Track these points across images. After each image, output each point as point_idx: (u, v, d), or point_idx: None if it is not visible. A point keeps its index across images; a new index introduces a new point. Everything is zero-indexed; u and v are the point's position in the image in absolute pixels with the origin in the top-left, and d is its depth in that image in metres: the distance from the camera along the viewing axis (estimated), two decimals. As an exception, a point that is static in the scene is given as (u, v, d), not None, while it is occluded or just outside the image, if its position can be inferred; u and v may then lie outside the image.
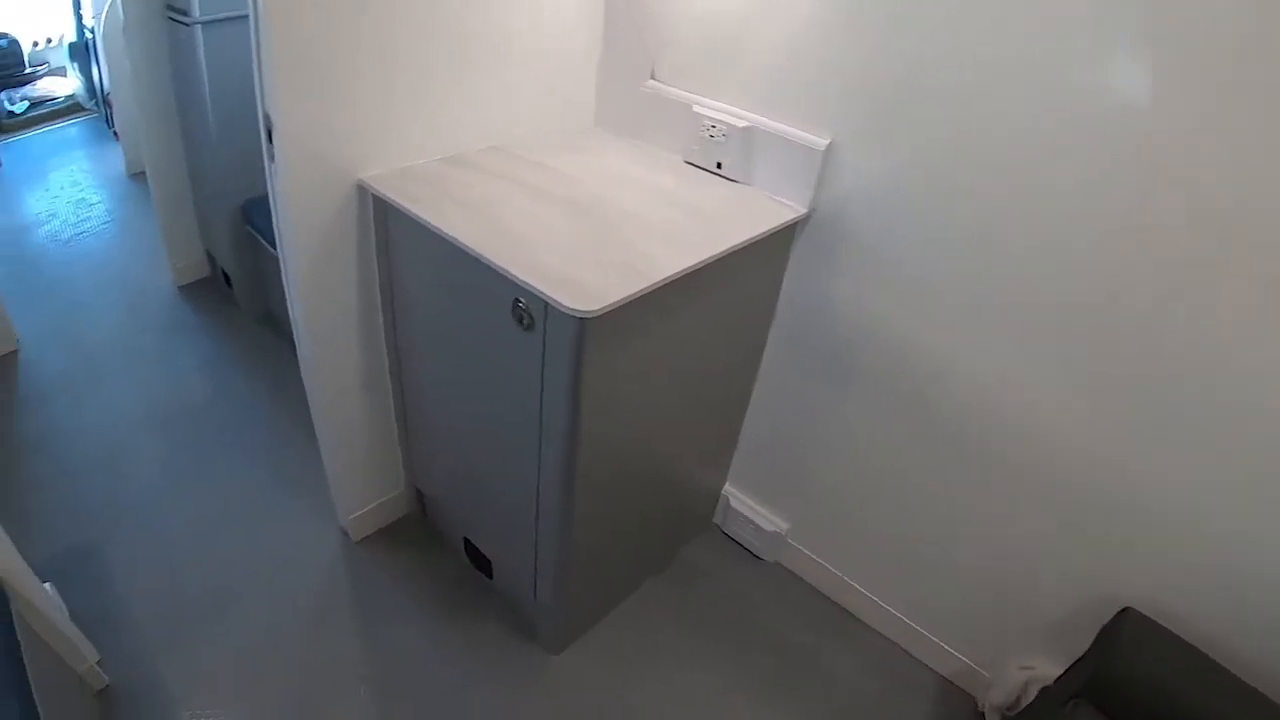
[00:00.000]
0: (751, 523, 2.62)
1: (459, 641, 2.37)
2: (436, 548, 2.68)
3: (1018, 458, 1.92)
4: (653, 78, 2.28)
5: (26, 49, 7.56)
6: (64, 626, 2.03)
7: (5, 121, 6.92)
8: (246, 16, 2.88)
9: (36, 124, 6.87)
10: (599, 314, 1.45)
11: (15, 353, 3.72)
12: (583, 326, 1.48)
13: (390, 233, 2.04)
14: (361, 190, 1.96)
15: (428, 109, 1.97)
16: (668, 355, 1.89)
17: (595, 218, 1.86)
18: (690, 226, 1.86)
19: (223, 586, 2.53)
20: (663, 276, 1.58)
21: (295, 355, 3.46)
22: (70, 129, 6.73)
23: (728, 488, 2.68)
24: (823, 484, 2.40)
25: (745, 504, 2.65)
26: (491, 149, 2.16)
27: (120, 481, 2.94)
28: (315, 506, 2.78)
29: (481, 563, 2.46)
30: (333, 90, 1.78)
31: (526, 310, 1.64)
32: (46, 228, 4.91)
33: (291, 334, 3.48)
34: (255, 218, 3.29)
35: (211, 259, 4.05)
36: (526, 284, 1.54)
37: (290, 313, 2.20)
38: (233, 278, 3.69)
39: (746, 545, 2.70)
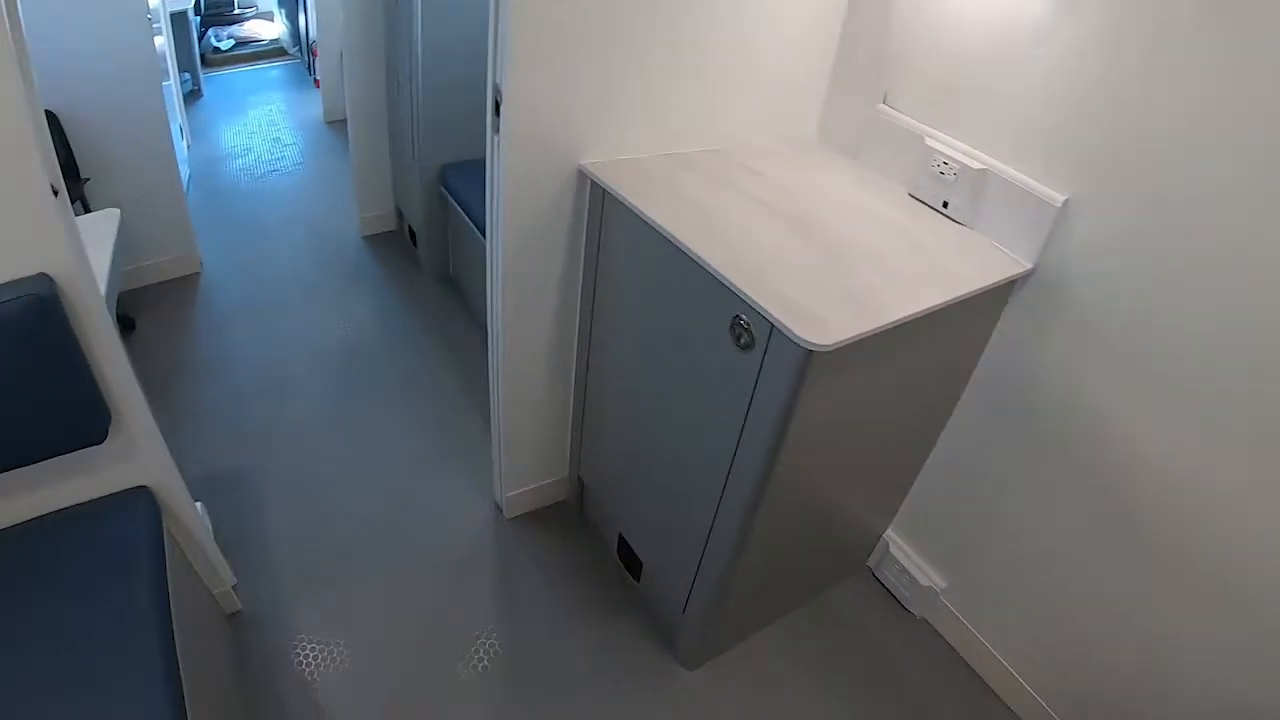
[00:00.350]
0: (907, 573, 2.52)
1: (592, 634, 2.36)
2: (587, 539, 2.66)
3: (1217, 581, 1.75)
4: (885, 103, 2.21)
5: (235, -11, 8.09)
6: (208, 547, 2.09)
7: (211, 56, 7.38)
8: None
9: (240, 62, 7.29)
10: (829, 350, 1.39)
11: (198, 275, 3.95)
12: (808, 358, 1.43)
13: (606, 223, 1.99)
14: (582, 176, 1.95)
15: (656, 102, 1.94)
16: (870, 396, 1.82)
17: (820, 240, 1.81)
18: (918, 267, 1.79)
19: (366, 531, 2.58)
20: (893, 319, 1.51)
21: (471, 320, 3.67)
22: (271, 71, 7.11)
23: (889, 533, 2.59)
24: (989, 549, 2.28)
25: (904, 553, 2.55)
26: (713, 152, 2.11)
27: (283, 413, 3.08)
28: (472, 474, 2.83)
29: (631, 563, 2.44)
30: (567, 70, 1.77)
31: (748, 329, 1.60)
32: (240, 161, 5.21)
33: (469, 299, 3.64)
34: (452, 182, 3.38)
35: (400, 214, 4.18)
36: (756, 303, 1.49)
37: (489, 286, 2.22)
38: (419, 236, 3.80)
39: (896, 595, 2.59)
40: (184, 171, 4.70)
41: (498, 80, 1.80)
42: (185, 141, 5.24)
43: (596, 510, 2.66)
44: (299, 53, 7.11)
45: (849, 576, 2.69)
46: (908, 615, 2.60)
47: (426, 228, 3.69)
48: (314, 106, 6.06)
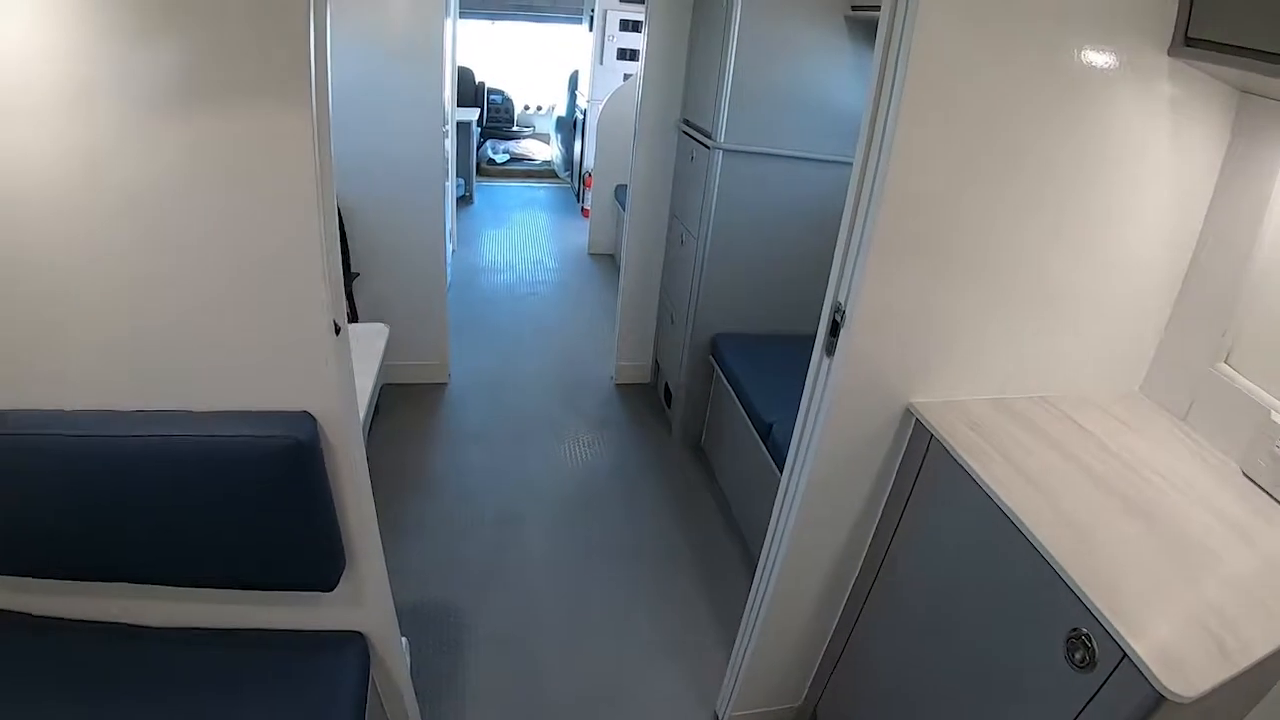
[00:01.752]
0: None
1: None
2: (814, 774, 2.20)
3: None
4: (1226, 362, 1.78)
5: (518, 109, 8.65)
6: (406, 694, 1.96)
7: (485, 166, 7.87)
8: (773, 154, 2.95)
9: (512, 177, 7.73)
10: (1187, 701, 1.09)
11: (444, 386, 3.93)
12: (1159, 703, 1.12)
13: (925, 472, 1.75)
14: (908, 415, 1.77)
15: (991, 342, 1.77)
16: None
17: (1162, 534, 1.41)
18: (1271, 581, 1.35)
19: (566, 712, 2.32)
20: (1254, 658, 1.18)
21: (716, 498, 3.33)
22: (540, 191, 7.45)
23: None
24: None
25: None
26: (1037, 400, 1.89)
27: (504, 553, 2.87)
28: (694, 681, 2.46)
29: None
30: (917, 296, 1.62)
31: (1089, 648, 1.22)
32: (501, 276, 5.33)
33: (718, 475, 3.34)
34: (724, 353, 3.15)
35: (657, 369, 4.00)
36: (1111, 626, 1.19)
37: (776, 512, 1.97)
38: (675, 398, 3.57)
39: None
40: (450, 277, 4.85)
41: (840, 297, 1.59)
42: (451, 245, 5.44)
43: (831, 752, 2.22)
44: (569, 178, 7.41)
45: None
46: None
47: (686, 393, 3.45)
48: (579, 235, 6.17)
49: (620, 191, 5.36)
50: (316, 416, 1.47)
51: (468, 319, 4.63)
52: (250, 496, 1.47)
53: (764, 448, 2.69)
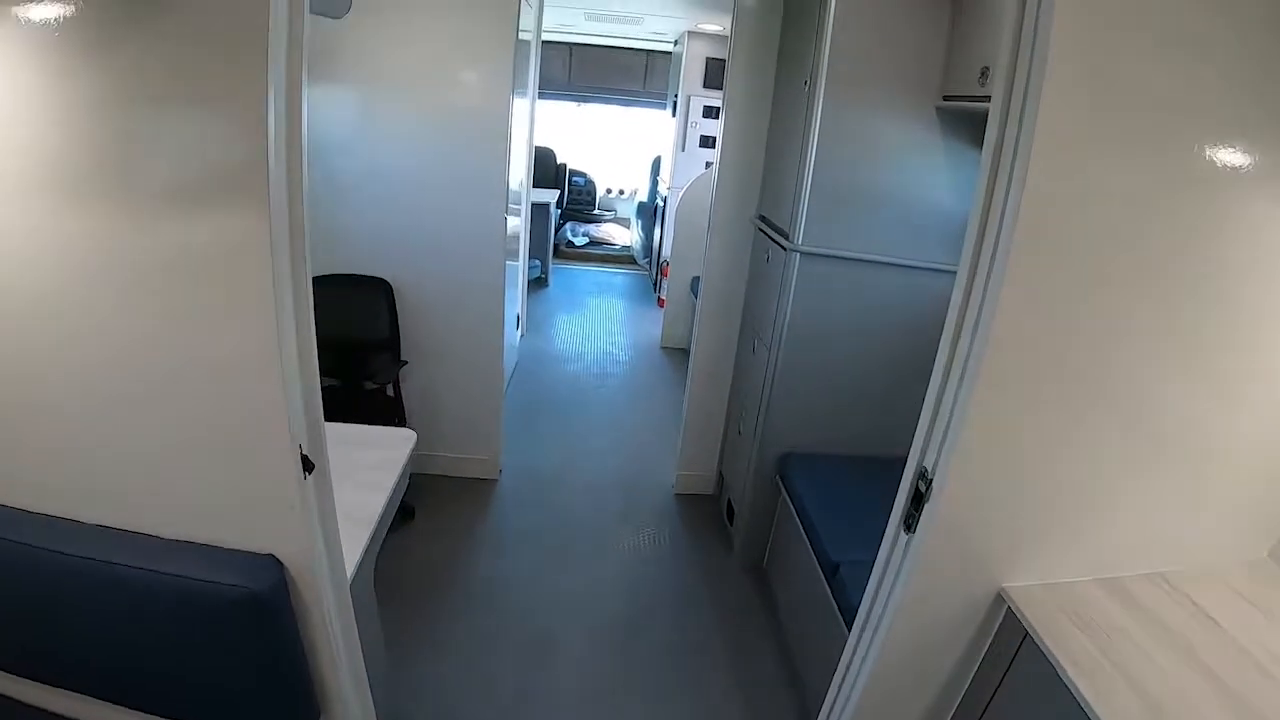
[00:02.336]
0: None
1: None
2: None
3: None
4: None
5: (600, 192, 8.63)
6: None
7: (564, 248, 7.81)
8: (855, 259, 2.68)
9: (589, 261, 7.64)
10: None
11: (494, 483, 3.70)
12: None
13: (1016, 674, 1.47)
14: (998, 601, 1.49)
15: (1105, 508, 1.50)
16: None
17: None
18: None
19: None
20: None
21: (774, 629, 2.87)
22: (617, 277, 7.33)
23: None
24: None
25: None
26: (1153, 576, 1.62)
27: (538, 679, 2.56)
28: None
29: None
30: (1019, 461, 1.35)
31: None
32: (569, 366, 5.13)
33: (778, 604, 2.96)
34: (792, 474, 2.85)
35: (721, 481, 3.71)
36: None
37: (840, 674, 1.71)
38: (738, 515, 3.27)
39: None
40: (510, 361, 4.69)
41: (927, 462, 1.32)
42: (520, 331, 5.30)
43: None
44: (648, 265, 7.26)
45: None
46: None
47: (750, 511, 3.13)
48: (653, 325, 5.97)
49: (697, 284, 5.15)
50: (284, 561, 1.24)
51: (529, 409, 4.42)
52: (200, 642, 1.29)
53: (828, 589, 2.36)
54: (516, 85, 3.56)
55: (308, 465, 1.19)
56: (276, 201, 0.99)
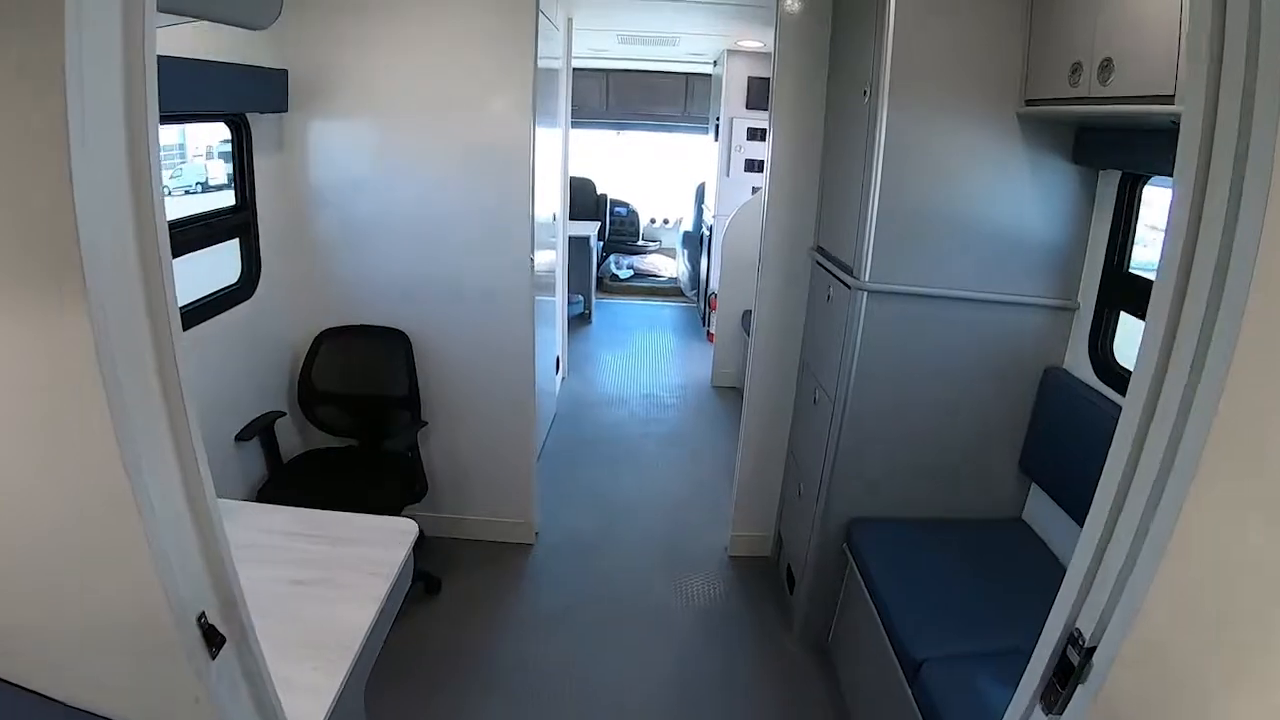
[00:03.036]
0: None
1: None
2: None
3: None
4: None
5: (643, 222, 8.32)
6: None
7: (608, 282, 7.50)
8: (931, 295, 2.28)
9: (634, 294, 7.31)
10: None
11: (530, 548, 3.36)
12: None
13: None
14: None
15: None
16: None
17: None
18: None
19: None
20: None
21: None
22: (664, 310, 6.98)
23: None
24: None
25: None
26: None
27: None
28: None
29: None
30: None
31: None
32: (613, 411, 4.78)
33: (843, 689, 2.54)
34: (860, 543, 2.47)
35: (779, 541, 3.31)
36: None
37: None
38: (799, 585, 2.86)
39: None
40: (548, 409, 4.37)
41: (1083, 625, 0.91)
42: (560, 375, 4.98)
43: None
44: (695, 297, 6.90)
45: None
46: None
47: (812, 583, 2.72)
48: (702, 362, 5.59)
49: (747, 319, 4.78)
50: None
51: (569, 461, 4.09)
52: None
53: (909, 690, 1.97)
54: (545, 114, 3.31)
55: (214, 639, 0.86)
56: (104, 293, 0.66)
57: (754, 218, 4.69)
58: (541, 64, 2.93)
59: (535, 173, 2.89)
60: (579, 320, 6.39)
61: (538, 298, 3.10)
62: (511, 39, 2.75)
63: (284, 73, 2.76)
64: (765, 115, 5.92)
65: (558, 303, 4.69)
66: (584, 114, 7.08)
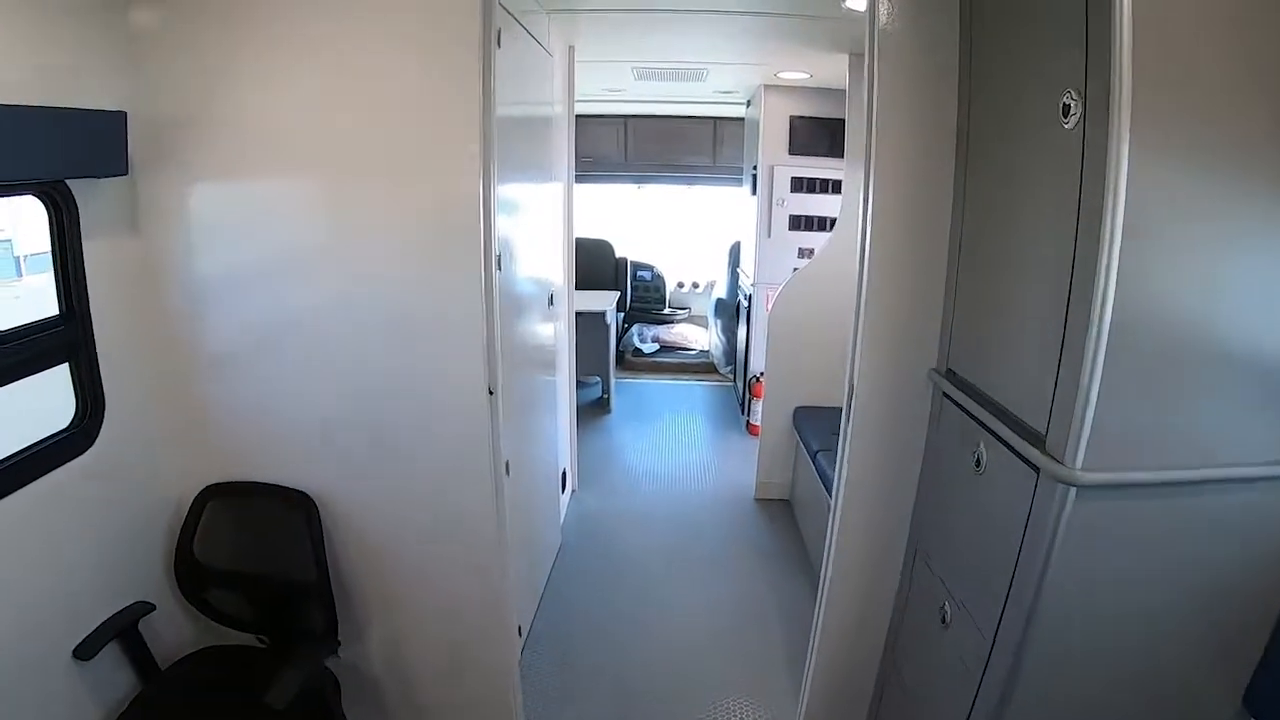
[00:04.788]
0: None
1: None
2: None
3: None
4: None
5: (669, 288, 7.30)
6: None
7: (631, 358, 6.48)
8: (1192, 482, 1.28)
9: (662, 372, 6.27)
10: None
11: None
12: None
13: None
14: None
15: None
16: None
17: None
18: None
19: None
20: None
21: None
22: (695, 390, 5.92)
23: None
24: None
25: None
26: None
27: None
28: None
29: None
30: None
31: None
32: (629, 539, 3.69)
33: None
34: None
35: None
36: None
37: None
38: None
39: None
40: (552, 542, 3.39)
41: None
42: (570, 487, 3.98)
43: None
44: (731, 375, 5.86)
45: None
46: None
47: None
48: (743, 464, 4.48)
49: (802, 416, 3.75)
50: None
51: (575, 625, 3.04)
52: None
53: None
54: (532, 168, 2.62)
55: None
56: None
57: (810, 292, 3.79)
58: (532, 110, 2.38)
59: (495, 253, 1.93)
60: (596, 407, 5.40)
61: (542, 378, 2.16)
62: (449, 71, 1.82)
63: (120, 116, 1.82)
64: (813, 161, 5.07)
65: (563, 400, 3.69)
66: (598, 166, 6.20)
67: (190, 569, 2.11)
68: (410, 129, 1.85)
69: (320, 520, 2.05)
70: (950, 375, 1.69)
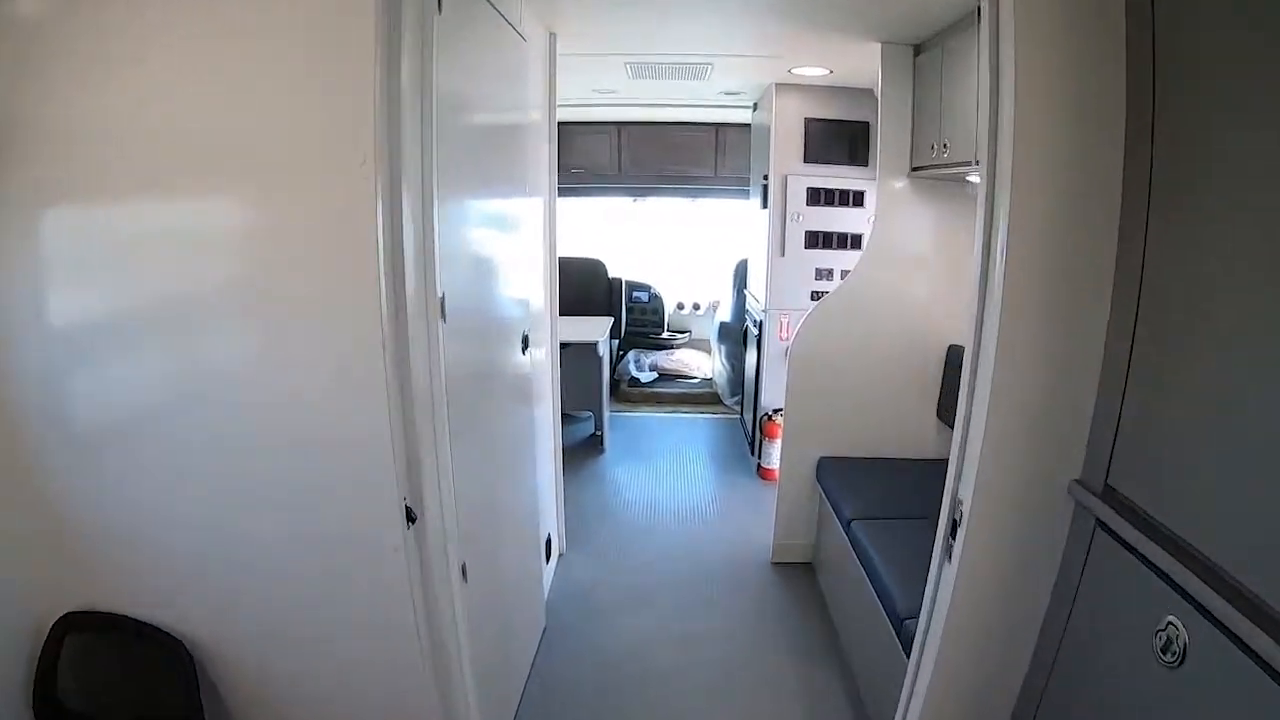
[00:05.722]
0: None
1: None
2: None
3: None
4: None
5: (668, 309, 6.71)
6: None
7: (626, 388, 5.90)
8: None
9: (661, 403, 5.71)
10: None
11: None
12: None
13: None
14: None
15: None
16: None
17: None
18: None
19: None
20: None
21: None
22: (697, 424, 5.37)
23: None
24: None
25: None
26: None
27: None
28: None
29: None
30: None
31: None
32: (624, 625, 3.08)
33: None
34: None
35: None
36: None
37: None
38: None
39: None
40: (538, 627, 2.88)
41: None
42: (557, 550, 3.42)
43: None
44: (738, 408, 5.30)
45: None
46: None
47: None
48: (756, 518, 3.88)
49: (828, 469, 3.19)
50: None
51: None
52: None
53: None
54: (505, 182, 2.22)
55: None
56: None
57: (836, 327, 3.22)
58: (502, 107, 2.02)
59: (439, 295, 1.38)
60: (588, 446, 4.85)
61: (517, 428, 2.09)
62: (334, 58, 1.27)
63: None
64: (831, 170, 4.48)
65: (544, 447, 3.13)
66: (590, 178, 5.67)
67: (51, 712, 1.59)
68: (269, 123, 1.29)
69: (195, 673, 1.50)
70: (1110, 495, 1.12)
